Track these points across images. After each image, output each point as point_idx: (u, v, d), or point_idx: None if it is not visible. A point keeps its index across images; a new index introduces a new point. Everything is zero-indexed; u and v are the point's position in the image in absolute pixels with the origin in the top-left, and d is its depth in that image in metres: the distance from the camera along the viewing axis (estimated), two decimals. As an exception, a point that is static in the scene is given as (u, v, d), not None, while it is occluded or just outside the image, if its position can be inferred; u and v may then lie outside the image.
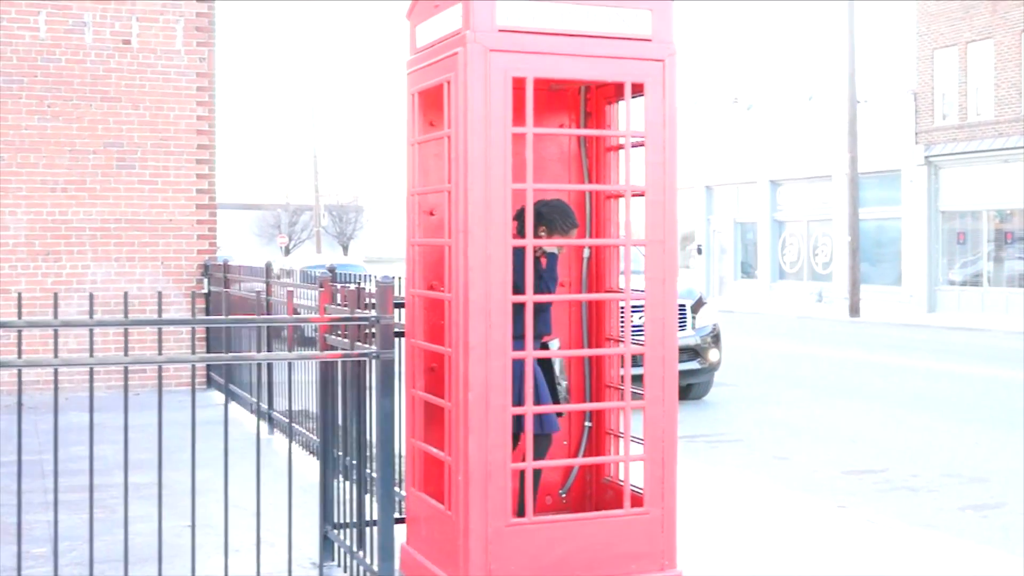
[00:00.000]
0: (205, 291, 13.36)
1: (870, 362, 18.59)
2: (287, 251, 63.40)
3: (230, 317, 8.67)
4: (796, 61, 36.64)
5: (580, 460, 6.14)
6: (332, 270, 7.97)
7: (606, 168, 6.23)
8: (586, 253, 6.30)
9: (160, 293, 5.28)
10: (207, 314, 13.24)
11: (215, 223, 13.69)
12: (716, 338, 13.88)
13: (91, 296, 5.17)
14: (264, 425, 10.44)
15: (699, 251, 40.33)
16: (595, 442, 6.30)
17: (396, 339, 6.45)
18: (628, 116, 5.48)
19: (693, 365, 13.62)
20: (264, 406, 10.35)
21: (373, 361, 5.19)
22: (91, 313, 5.19)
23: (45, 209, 13.06)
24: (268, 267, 10.21)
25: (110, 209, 13.24)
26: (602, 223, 6.23)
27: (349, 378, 5.49)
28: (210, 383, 13.53)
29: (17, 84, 12.93)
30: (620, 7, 5.33)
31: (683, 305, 13.73)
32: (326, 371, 5.90)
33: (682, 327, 13.62)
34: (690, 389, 14.04)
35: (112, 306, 13.03)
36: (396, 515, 6.49)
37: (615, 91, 5.96)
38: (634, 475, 5.58)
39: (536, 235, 5.60)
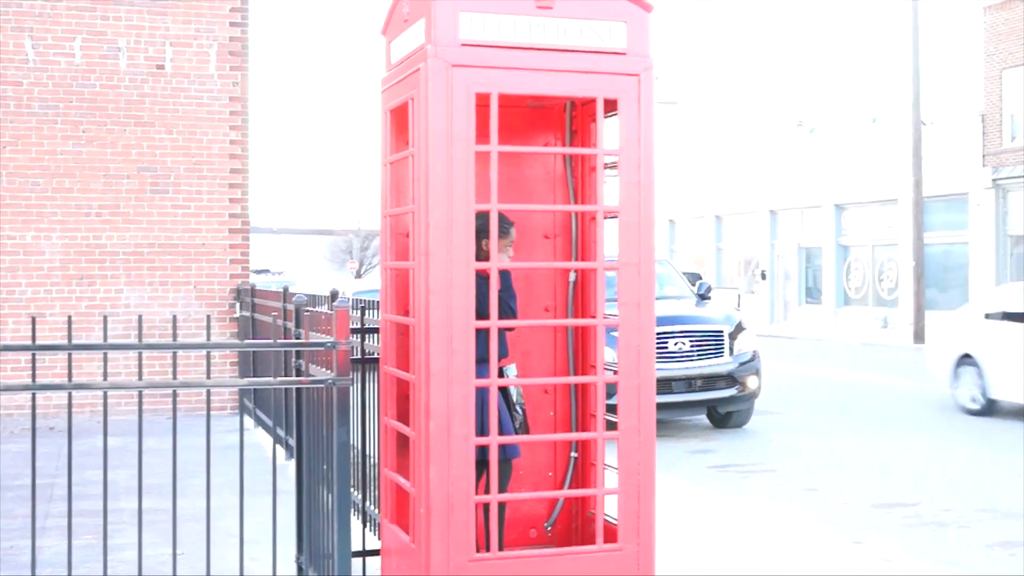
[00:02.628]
0: (237, 315, 13.32)
1: (925, 390, 18.03)
2: (358, 275, 63.78)
3: (247, 342, 8.63)
4: (859, 83, 36.04)
5: (549, 493, 5.92)
6: (334, 295, 7.82)
7: (593, 188, 5.99)
8: (572, 277, 6.08)
9: (208, 317, 5.19)
10: (239, 338, 13.19)
11: (247, 247, 13.65)
12: (755, 365, 13.52)
13: (139, 319, 5.12)
14: (283, 451, 10.32)
15: (763, 276, 39.72)
16: (581, 473, 6.06)
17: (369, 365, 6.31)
18: (600, 133, 5.26)
19: (731, 392, 13.29)
20: (282, 432, 10.23)
21: (332, 388, 5.01)
22: (140, 336, 5.08)
23: (80, 233, 13.13)
24: (285, 291, 10.11)
25: (143, 233, 13.28)
26: (587, 246, 5.99)
27: (311, 405, 5.31)
28: (243, 408, 13.46)
29: (53, 110, 13.03)
30: (592, 20, 5.11)
31: (720, 332, 13.41)
32: (299, 399, 5.73)
33: (720, 354, 13.31)
34: (729, 417, 13.70)
35: (145, 330, 13.03)
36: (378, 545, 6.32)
37: (604, 107, 5.73)
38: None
39: (480, 248, 5.27)
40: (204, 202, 13.40)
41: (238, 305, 13.32)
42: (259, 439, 11.69)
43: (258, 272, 47.72)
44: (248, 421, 12.81)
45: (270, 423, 11.20)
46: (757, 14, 40.51)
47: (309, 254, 66.97)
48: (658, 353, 12.89)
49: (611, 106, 5.24)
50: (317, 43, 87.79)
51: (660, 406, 12.90)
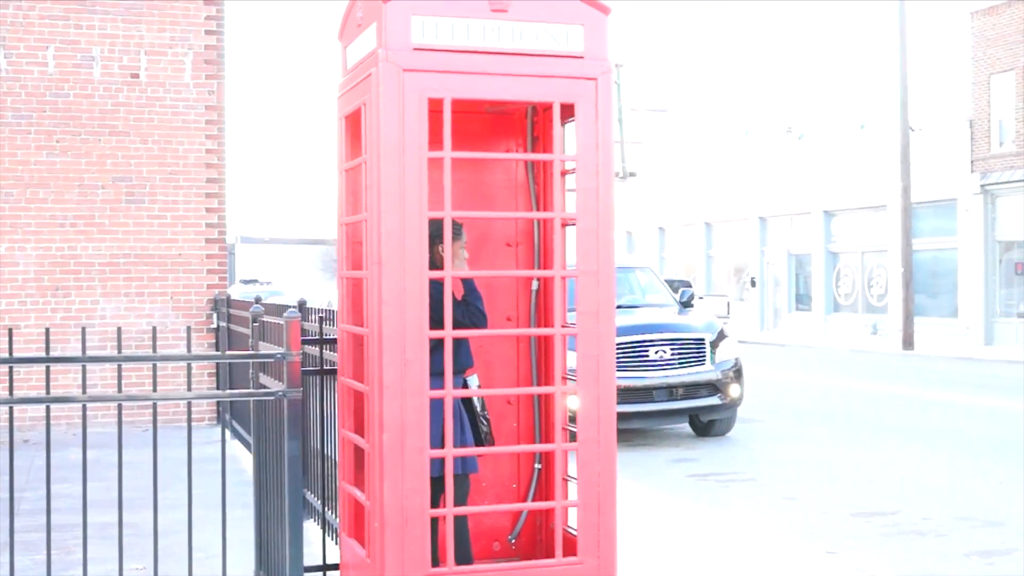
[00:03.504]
0: (214, 326, 13.19)
1: (913, 397, 17.95)
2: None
3: (194, 354, 8.55)
4: (848, 89, 36.05)
5: (507, 506, 5.80)
6: (301, 305, 7.70)
7: (555, 196, 5.88)
8: (535, 285, 5.97)
9: (154, 328, 5.10)
10: (217, 349, 13.06)
11: (225, 257, 13.53)
12: (738, 373, 13.41)
13: (83, 331, 5.05)
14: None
15: (752, 283, 39.64)
16: (545, 485, 5.94)
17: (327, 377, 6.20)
18: (559, 138, 5.15)
19: (713, 401, 13.18)
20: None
21: (283, 400, 4.90)
22: (83, 350, 5.02)
23: (54, 244, 12.99)
24: (256, 301, 9.99)
25: (119, 244, 13.14)
26: (550, 254, 5.88)
27: (265, 417, 5.20)
28: (219, 419, 13.33)
29: (26, 120, 12.89)
30: (548, 23, 5.01)
31: (702, 339, 13.31)
32: (256, 411, 5.62)
33: (701, 362, 13.21)
34: (711, 426, 13.59)
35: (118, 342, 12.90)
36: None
37: (563, 113, 5.62)
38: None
39: (435, 253, 5.18)
40: (180, 212, 13.27)
41: (215, 315, 13.19)
42: (236, 451, 11.56)
43: (247, 282, 47.57)
44: (227, 433, 12.68)
45: (245, 435, 11.09)
46: (746, 22, 40.52)
47: (301, 264, 66.88)
48: (639, 361, 12.83)
49: (572, 111, 5.14)
50: (304, 50, 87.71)
51: (641, 415, 12.85)
